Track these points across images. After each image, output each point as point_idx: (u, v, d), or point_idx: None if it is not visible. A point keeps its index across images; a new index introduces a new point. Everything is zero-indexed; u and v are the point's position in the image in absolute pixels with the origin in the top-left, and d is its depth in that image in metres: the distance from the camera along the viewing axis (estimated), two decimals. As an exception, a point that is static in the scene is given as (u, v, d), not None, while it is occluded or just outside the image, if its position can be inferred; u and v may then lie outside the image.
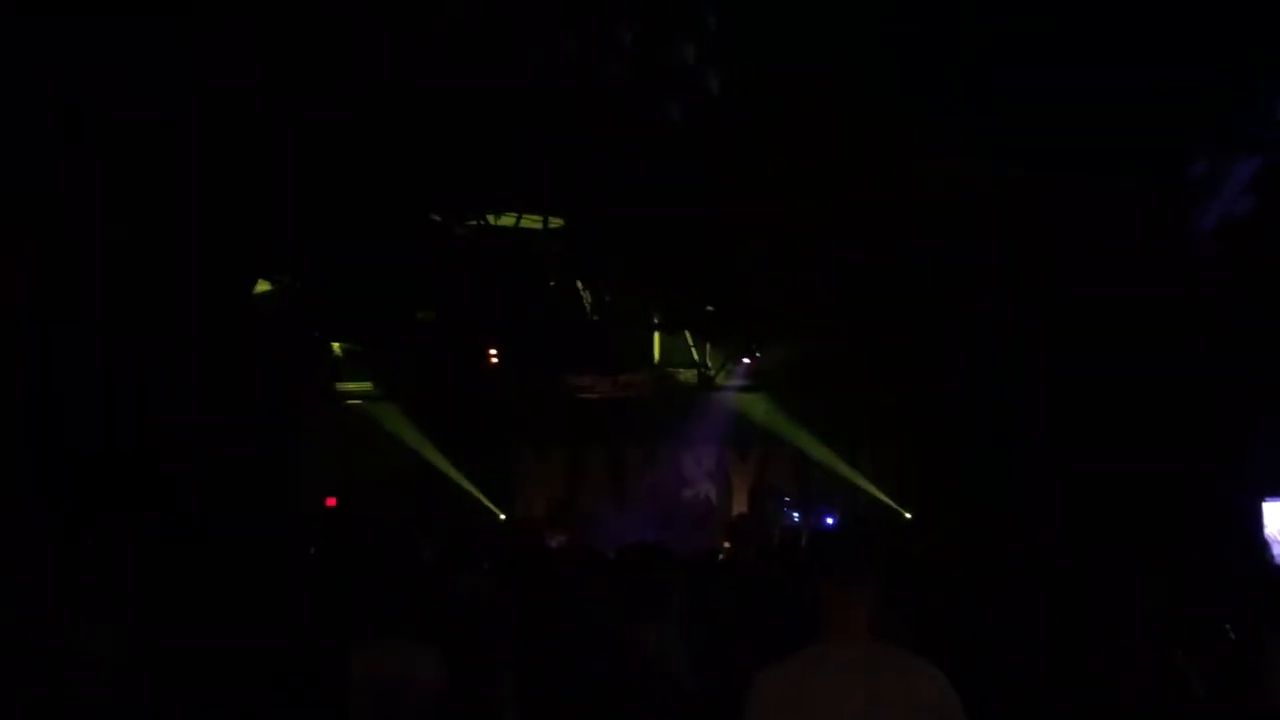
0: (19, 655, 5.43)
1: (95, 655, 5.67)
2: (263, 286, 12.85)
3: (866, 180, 9.76)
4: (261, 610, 6.74)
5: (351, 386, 16.56)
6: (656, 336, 16.40)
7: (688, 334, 16.14)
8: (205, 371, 11.22)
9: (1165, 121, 8.50)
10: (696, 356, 16.47)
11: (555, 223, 12.37)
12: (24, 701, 5.32)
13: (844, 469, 16.04)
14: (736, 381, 16.43)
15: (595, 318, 14.66)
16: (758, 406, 16.42)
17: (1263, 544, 11.25)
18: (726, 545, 14.65)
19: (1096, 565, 6.79)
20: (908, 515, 15.56)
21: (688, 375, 16.66)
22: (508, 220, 12.29)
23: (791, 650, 3.37)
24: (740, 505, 16.50)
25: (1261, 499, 11.72)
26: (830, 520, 15.34)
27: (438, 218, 11.96)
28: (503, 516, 16.69)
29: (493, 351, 14.99)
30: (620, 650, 3.76)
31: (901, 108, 8.43)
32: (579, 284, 14.47)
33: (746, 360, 15.83)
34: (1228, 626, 5.82)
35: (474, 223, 12.19)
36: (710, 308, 14.20)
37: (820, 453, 16.18)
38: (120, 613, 5.86)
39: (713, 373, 16.50)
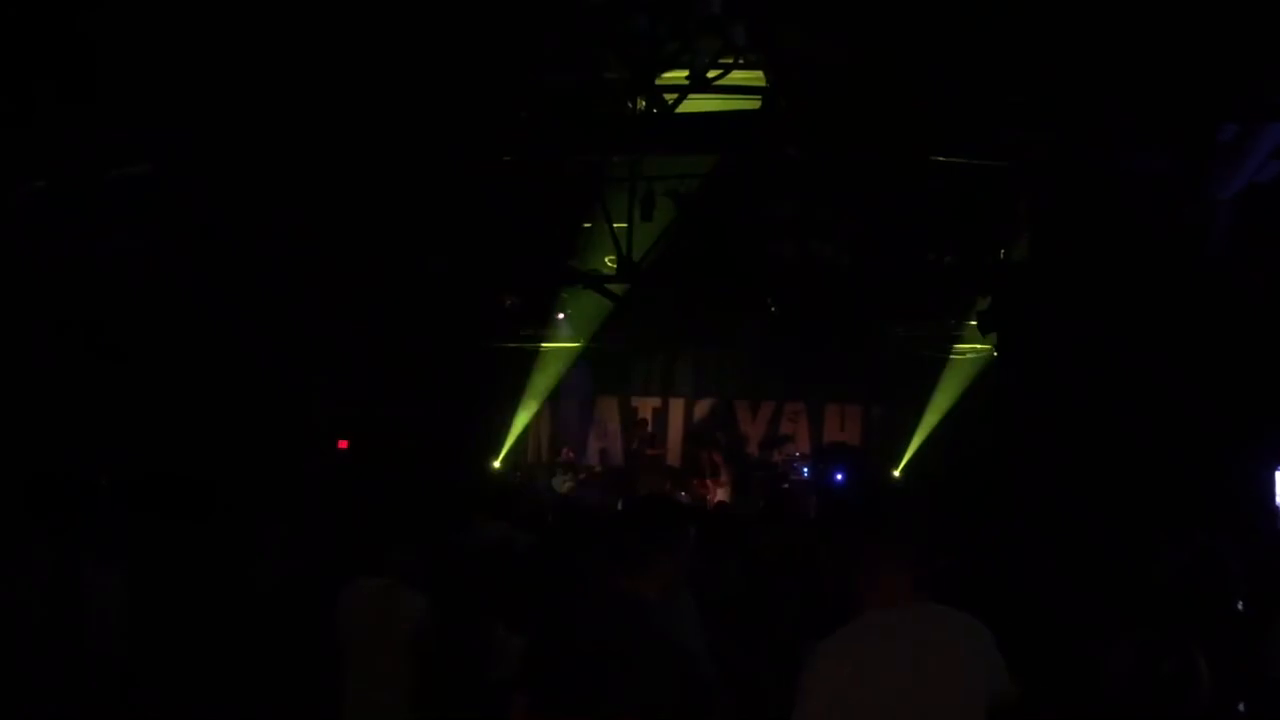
0: (35, 597, 5.49)
1: (100, 597, 5.73)
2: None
3: (887, 147, 9.67)
4: (264, 549, 6.82)
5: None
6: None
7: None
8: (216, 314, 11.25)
9: (1192, 88, 8.39)
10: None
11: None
12: (41, 637, 5.39)
13: (855, 426, 16.07)
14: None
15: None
16: (769, 361, 16.39)
17: (1274, 513, 11.22)
18: (728, 500, 14.77)
19: (1105, 537, 6.78)
20: (916, 475, 15.61)
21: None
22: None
23: (816, 611, 3.37)
24: (751, 460, 16.53)
25: (1275, 467, 11.68)
26: (840, 476, 15.36)
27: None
28: (514, 463, 16.77)
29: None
30: (616, 604, 3.72)
31: (924, 70, 8.32)
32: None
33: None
34: (1238, 602, 5.80)
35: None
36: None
37: (832, 409, 16.22)
38: (121, 557, 5.92)
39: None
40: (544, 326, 16.02)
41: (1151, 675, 5.10)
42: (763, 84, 9.52)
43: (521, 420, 16.86)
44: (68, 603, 5.54)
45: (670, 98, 9.75)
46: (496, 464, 16.54)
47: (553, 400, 17.10)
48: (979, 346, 14.73)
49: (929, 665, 3.21)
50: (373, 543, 5.33)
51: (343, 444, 15.23)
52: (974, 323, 13.24)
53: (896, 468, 15.86)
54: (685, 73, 9.55)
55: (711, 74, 9.36)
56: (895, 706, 3.18)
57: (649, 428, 16.94)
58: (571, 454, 16.57)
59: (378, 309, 14.15)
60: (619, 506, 10.72)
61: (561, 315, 15.96)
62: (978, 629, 3.34)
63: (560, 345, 16.44)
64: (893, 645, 3.25)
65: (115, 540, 6.20)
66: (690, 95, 9.64)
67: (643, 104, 9.90)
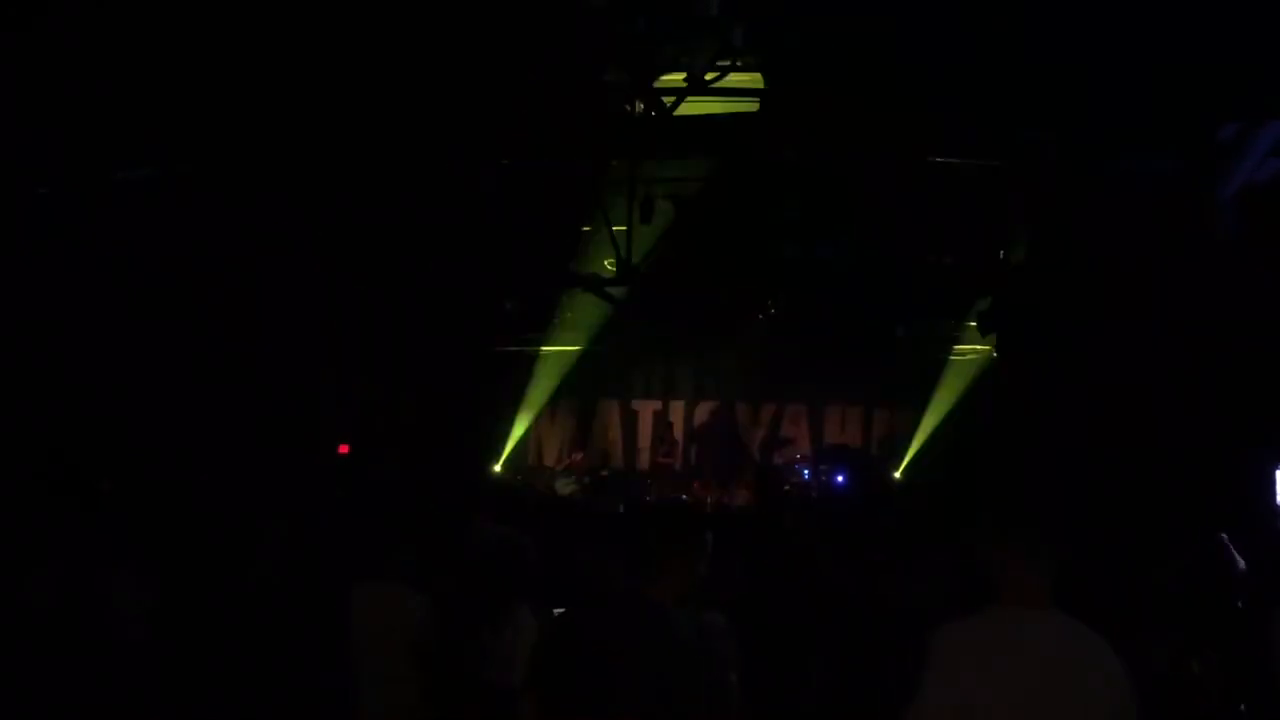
0: (55, 605, 5.51)
1: (120, 605, 5.74)
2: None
3: (888, 144, 9.67)
4: (275, 553, 6.83)
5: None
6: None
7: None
8: (219, 321, 11.25)
9: (1193, 86, 8.39)
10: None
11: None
12: (63, 646, 5.41)
13: (857, 428, 16.06)
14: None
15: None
16: (770, 363, 16.38)
17: (1274, 511, 11.21)
18: (731, 500, 14.75)
19: (1106, 539, 6.77)
20: (918, 478, 15.59)
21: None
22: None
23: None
24: (751, 460, 16.52)
25: (1274, 466, 11.66)
26: (840, 478, 15.34)
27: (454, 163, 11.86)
28: (514, 467, 16.76)
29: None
30: (630, 607, 3.69)
31: (925, 72, 8.32)
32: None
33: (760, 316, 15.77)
34: (1237, 599, 5.80)
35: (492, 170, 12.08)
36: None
37: (832, 411, 16.20)
38: (141, 565, 5.94)
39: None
40: (544, 330, 16.00)
41: (1183, 676, 5.12)
42: (761, 86, 9.52)
43: (522, 424, 16.88)
44: (83, 605, 5.55)
45: (668, 100, 9.76)
46: (497, 468, 16.53)
47: (554, 403, 17.10)
48: (979, 348, 14.71)
49: (1063, 676, 3.15)
50: (376, 545, 5.34)
51: (343, 448, 15.22)
52: (974, 324, 13.23)
53: (898, 469, 15.83)
54: (683, 75, 9.56)
55: (709, 76, 9.37)
56: (1020, 709, 3.13)
57: (675, 434, 16.94)
58: (578, 457, 16.58)
59: (378, 313, 14.17)
60: (621, 510, 10.71)
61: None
62: (1107, 649, 3.24)
63: (560, 349, 16.43)
64: (1017, 644, 3.19)
65: (124, 544, 6.22)
66: (688, 98, 9.65)
67: (641, 107, 9.91)
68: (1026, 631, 3.22)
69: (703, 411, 17.04)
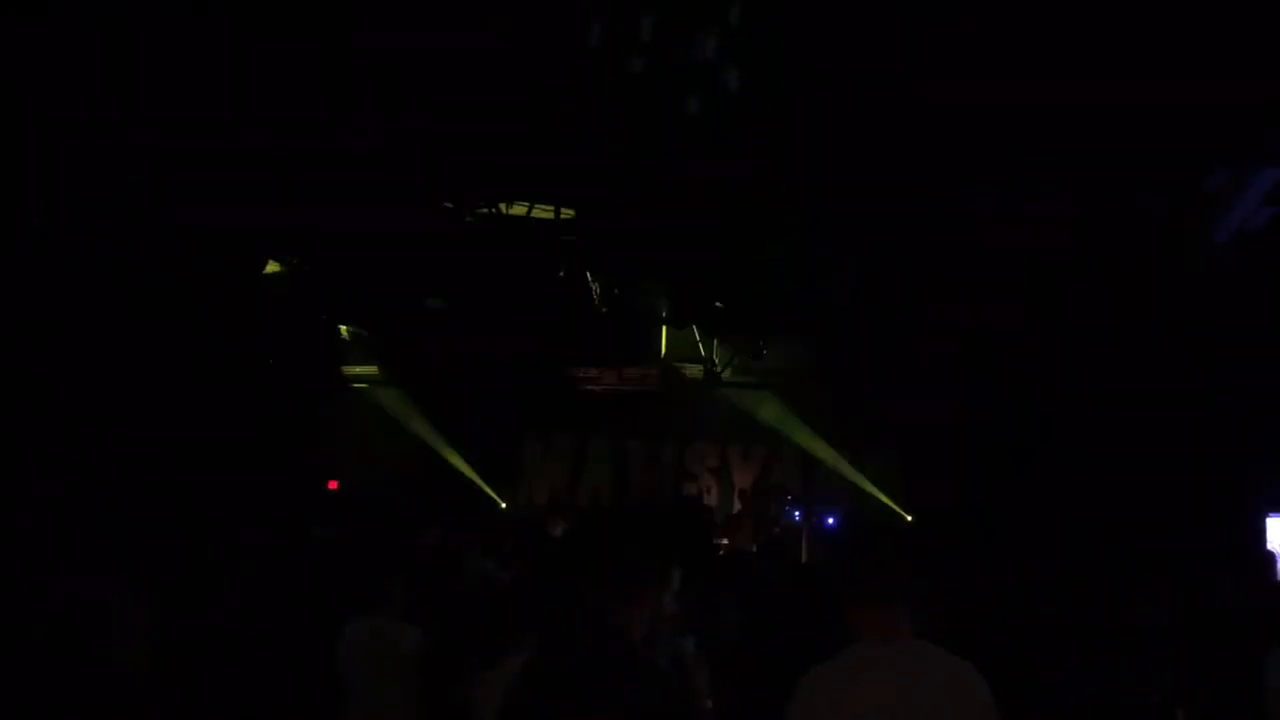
0: (65, 624, 5.47)
1: (129, 624, 5.72)
2: (272, 268, 12.84)
3: (884, 186, 9.72)
4: (269, 586, 6.80)
5: (357, 370, 16.56)
6: (664, 331, 16.40)
7: (695, 329, 16.12)
8: (216, 355, 11.25)
9: (1182, 133, 8.45)
10: (703, 352, 16.46)
11: (567, 213, 12.33)
12: (72, 666, 5.38)
13: (848, 470, 16.03)
14: (742, 378, 16.42)
15: (603, 310, 14.62)
16: (763, 404, 16.41)
17: (1268, 559, 11.20)
18: (725, 541, 14.68)
19: (1096, 580, 6.77)
20: (908, 518, 15.56)
21: (694, 370, 16.64)
22: (519, 209, 12.25)
23: (812, 649, 3.35)
24: (741, 502, 16.48)
25: (1266, 514, 11.68)
26: (831, 520, 15.32)
27: (449, 204, 11.92)
28: (504, 505, 16.72)
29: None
30: (602, 636, 3.67)
31: (919, 115, 8.37)
32: (588, 276, 14.43)
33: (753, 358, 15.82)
34: (1228, 644, 5.78)
35: (485, 210, 12.16)
36: (719, 304, 14.16)
37: (824, 453, 16.17)
38: (146, 586, 5.92)
39: (719, 369, 16.47)
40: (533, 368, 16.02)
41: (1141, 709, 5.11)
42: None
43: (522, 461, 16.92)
44: (90, 628, 5.52)
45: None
46: (503, 505, 16.55)
47: (547, 441, 17.09)
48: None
49: (917, 702, 3.17)
50: (370, 579, 5.34)
51: (332, 484, 15.21)
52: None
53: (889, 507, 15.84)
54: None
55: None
56: None
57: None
58: (564, 497, 16.55)
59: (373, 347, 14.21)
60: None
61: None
62: (968, 669, 3.29)
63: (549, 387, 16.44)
64: (881, 679, 3.21)
65: (138, 566, 6.19)
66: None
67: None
68: (882, 658, 3.27)
69: (695, 452, 17.04)
